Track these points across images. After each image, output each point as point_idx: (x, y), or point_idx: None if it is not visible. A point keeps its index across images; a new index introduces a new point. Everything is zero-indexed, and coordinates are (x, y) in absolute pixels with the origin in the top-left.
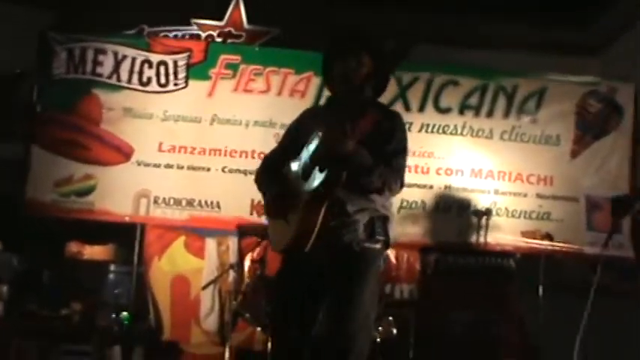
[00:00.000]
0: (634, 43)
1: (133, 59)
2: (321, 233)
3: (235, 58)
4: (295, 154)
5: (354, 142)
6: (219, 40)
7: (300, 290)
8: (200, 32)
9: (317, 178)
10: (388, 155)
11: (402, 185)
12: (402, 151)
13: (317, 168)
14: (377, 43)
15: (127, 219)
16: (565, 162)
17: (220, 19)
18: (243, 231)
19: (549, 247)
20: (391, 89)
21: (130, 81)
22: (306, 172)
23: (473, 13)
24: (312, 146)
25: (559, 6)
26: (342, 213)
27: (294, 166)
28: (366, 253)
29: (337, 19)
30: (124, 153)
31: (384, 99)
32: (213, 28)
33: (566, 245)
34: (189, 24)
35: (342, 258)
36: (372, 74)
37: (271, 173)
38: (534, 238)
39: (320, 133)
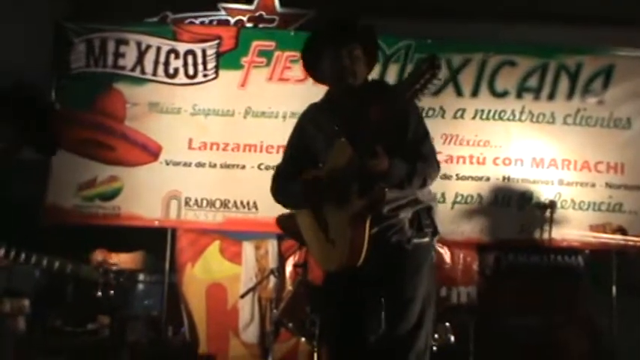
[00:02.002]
0: None
1: (158, 49)
2: (369, 245)
3: (269, 44)
4: (307, 165)
5: (386, 159)
6: (249, 25)
7: (354, 298)
8: (229, 17)
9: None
10: (413, 145)
11: (438, 167)
12: (424, 134)
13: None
14: (366, 30)
15: (156, 223)
16: (637, 147)
17: (250, 2)
18: (283, 225)
19: (622, 242)
20: (441, 73)
21: (155, 73)
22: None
23: None
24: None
25: None
26: (383, 216)
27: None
28: (417, 249)
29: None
30: (151, 152)
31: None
32: (243, 12)
33: None
34: (216, 9)
35: (394, 259)
36: (367, 64)
37: (291, 182)
38: (605, 233)
39: (343, 140)
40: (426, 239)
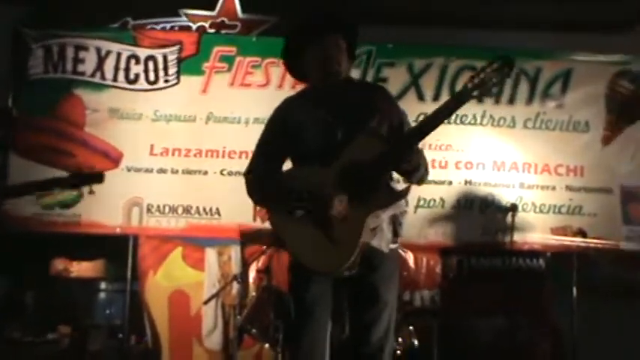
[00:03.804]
0: None
1: (118, 55)
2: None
3: (230, 49)
4: (291, 154)
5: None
6: (211, 31)
7: (323, 300)
8: (190, 24)
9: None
10: (407, 137)
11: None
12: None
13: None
14: (349, 24)
15: (117, 231)
16: (596, 150)
17: (212, 8)
18: (246, 239)
19: (582, 245)
20: (403, 78)
21: (115, 79)
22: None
23: None
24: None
25: None
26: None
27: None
28: (393, 253)
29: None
30: (111, 158)
31: (394, 89)
32: (205, 18)
33: (600, 241)
34: (177, 15)
35: (373, 263)
36: (349, 54)
37: (269, 179)
38: (565, 235)
39: (371, 135)
40: (398, 244)
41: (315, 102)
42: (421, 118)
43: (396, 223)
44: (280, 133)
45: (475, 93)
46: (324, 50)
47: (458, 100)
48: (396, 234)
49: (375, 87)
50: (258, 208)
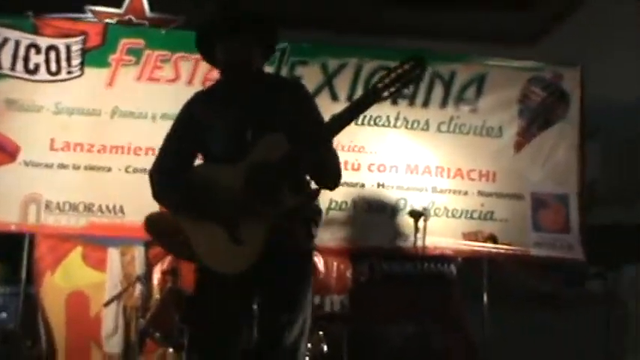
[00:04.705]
0: (577, 27)
1: (17, 43)
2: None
3: (138, 42)
4: (201, 149)
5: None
6: None
7: (232, 302)
8: (96, 20)
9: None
10: (322, 137)
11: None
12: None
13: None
14: (261, 17)
15: (12, 228)
16: (508, 156)
17: (119, 5)
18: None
19: (493, 250)
20: (316, 77)
21: (13, 68)
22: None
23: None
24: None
25: None
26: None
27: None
28: (307, 255)
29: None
30: (8, 152)
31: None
32: (111, 15)
33: (511, 247)
34: (82, 11)
35: (285, 263)
36: (260, 50)
37: (176, 178)
38: (477, 241)
39: (278, 134)
40: (313, 245)
41: (224, 99)
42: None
43: (310, 224)
44: (187, 129)
45: (385, 93)
46: (232, 50)
47: (367, 99)
48: (310, 235)
49: (290, 83)
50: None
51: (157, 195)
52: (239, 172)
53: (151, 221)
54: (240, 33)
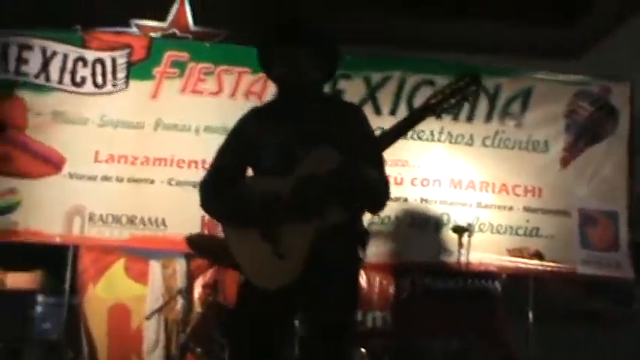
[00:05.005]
0: (625, 41)
1: (65, 56)
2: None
3: (183, 55)
4: (252, 164)
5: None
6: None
7: (273, 318)
8: (141, 35)
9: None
10: (373, 160)
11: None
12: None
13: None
14: (317, 31)
15: (57, 240)
16: (555, 171)
17: (163, 19)
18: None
19: (539, 267)
20: (359, 90)
21: (61, 81)
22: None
23: (450, 14)
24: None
25: (541, 5)
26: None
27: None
28: (354, 271)
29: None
30: (53, 164)
31: (354, 100)
32: (156, 29)
33: (557, 265)
34: (128, 25)
35: (330, 280)
36: (319, 66)
37: (224, 190)
38: (522, 257)
39: (327, 146)
40: (361, 262)
41: (278, 117)
42: (377, 132)
43: (364, 238)
44: (239, 144)
45: (439, 109)
46: (286, 65)
47: (420, 114)
48: (356, 256)
49: (347, 104)
50: (206, 219)
51: (204, 204)
52: (286, 184)
53: (192, 241)
54: (300, 45)
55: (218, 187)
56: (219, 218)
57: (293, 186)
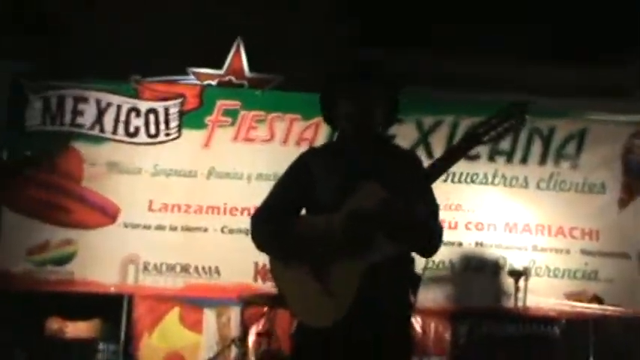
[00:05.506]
0: None
1: (119, 107)
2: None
3: (234, 103)
4: (307, 205)
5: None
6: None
7: None
8: (198, 82)
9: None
10: (420, 184)
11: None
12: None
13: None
14: (389, 76)
15: (112, 289)
16: (612, 213)
17: (219, 67)
18: (247, 300)
19: (598, 312)
20: (412, 134)
21: (115, 132)
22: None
23: (501, 55)
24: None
25: (595, 45)
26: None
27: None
28: (407, 320)
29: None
30: (108, 214)
31: (405, 145)
32: (212, 77)
33: (618, 309)
34: (185, 73)
35: (385, 328)
36: (386, 111)
37: (275, 226)
38: (581, 301)
39: (374, 182)
40: (411, 312)
41: (337, 160)
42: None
43: (410, 285)
44: (295, 183)
45: (485, 138)
46: (357, 103)
47: (466, 144)
48: (407, 302)
49: (406, 154)
50: (259, 267)
51: (254, 238)
52: (335, 220)
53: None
54: (372, 85)
55: (269, 223)
56: (268, 252)
57: (342, 220)
